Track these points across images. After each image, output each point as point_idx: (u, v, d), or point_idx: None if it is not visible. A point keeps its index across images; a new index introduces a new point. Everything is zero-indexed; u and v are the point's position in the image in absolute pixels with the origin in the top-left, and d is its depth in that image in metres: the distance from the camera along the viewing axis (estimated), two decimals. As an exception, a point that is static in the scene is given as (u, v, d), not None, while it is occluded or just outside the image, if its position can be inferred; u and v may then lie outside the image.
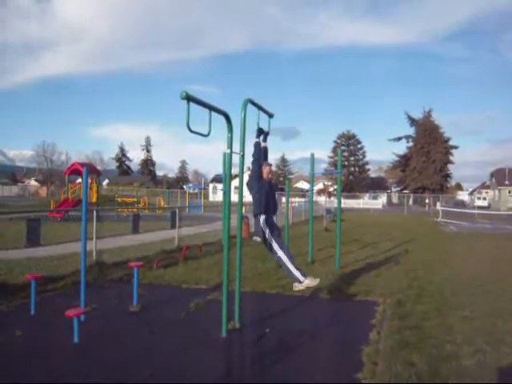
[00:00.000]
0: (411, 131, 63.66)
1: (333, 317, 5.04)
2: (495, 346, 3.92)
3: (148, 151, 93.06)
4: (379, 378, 3.27)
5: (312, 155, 9.31)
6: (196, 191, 50.33)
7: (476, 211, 31.14)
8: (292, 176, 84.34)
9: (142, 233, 14.02)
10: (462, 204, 51.78)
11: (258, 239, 12.41)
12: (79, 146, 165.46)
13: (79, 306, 4.61)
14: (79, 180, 25.78)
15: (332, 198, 44.30)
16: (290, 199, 12.95)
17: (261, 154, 5.09)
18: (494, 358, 3.68)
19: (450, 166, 60.64)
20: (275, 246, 4.94)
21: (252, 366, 3.62)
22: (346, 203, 44.72)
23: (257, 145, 5.10)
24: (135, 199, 33.15)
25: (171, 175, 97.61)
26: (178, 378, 3.37)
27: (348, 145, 66.07)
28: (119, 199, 31.29)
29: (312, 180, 9.81)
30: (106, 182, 72.56)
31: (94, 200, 20.78)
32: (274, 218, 5.20)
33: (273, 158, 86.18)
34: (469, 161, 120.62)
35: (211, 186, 65.69)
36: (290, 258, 4.98)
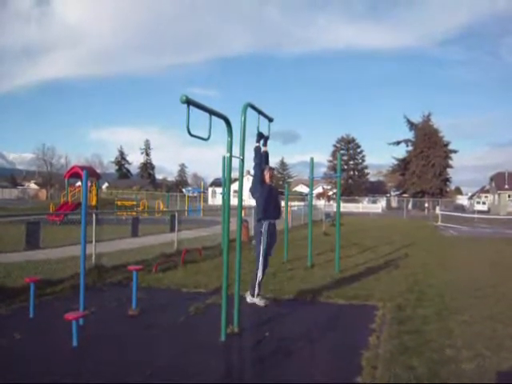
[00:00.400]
0: (410, 135, 63.90)
1: (332, 321, 5.03)
2: (495, 351, 3.91)
3: (147, 154, 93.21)
4: (379, 382, 3.26)
5: (311, 159, 9.33)
6: (195, 195, 50.28)
7: (476, 215, 31.16)
8: (291, 180, 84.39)
9: (141, 236, 14.00)
10: (461, 208, 51.79)
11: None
12: (79, 150, 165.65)
13: (78, 310, 4.61)
14: (79, 183, 25.79)
15: (331, 202, 44.33)
16: (289, 203, 12.95)
17: (262, 159, 5.09)
18: (493, 362, 3.67)
19: (449, 170, 60.80)
20: (260, 262, 5.06)
21: (251, 370, 3.61)
22: (346, 207, 44.72)
23: (257, 149, 5.11)
24: (134, 202, 33.13)
25: (170, 179, 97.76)
26: (177, 382, 3.36)
27: (347, 149, 66.18)
28: (119, 202, 31.28)
29: (311, 184, 9.82)
30: (105, 185, 72.57)
31: (94, 203, 20.78)
32: (277, 222, 5.22)
33: (272, 161, 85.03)
34: (468, 165, 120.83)
35: (210, 189, 65.70)
36: (262, 275, 5.18)
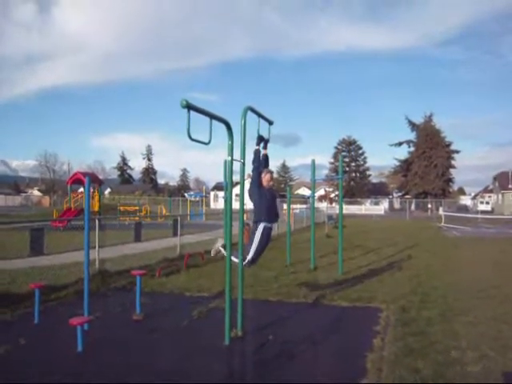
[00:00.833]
0: (412, 136, 63.71)
1: (336, 323, 5.02)
2: (500, 352, 3.90)
3: (149, 160, 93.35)
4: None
5: (313, 161, 9.33)
6: (197, 199, 50.36)
7: (479, 216, 31.03)
8: (293, 182, 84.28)
9: (144, 241, 14.03)
10: (464, 209, 51.64)
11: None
12: (81, 156, 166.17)
13: (83, 315, 4.62)
14: (81, 189, 25.88)
15: (333, 204, 44.27)
16: (291, 206, 12.95)
17: (260, 162, 5.10)
18: (499, 363, 3.66)
19: (452, 171, 60.55)
20: (249, 256, 4.90)
21: (255, 374, 3.61)
22: (348, 209, 44.62)
23: (256, 152, 5.12)
24: (137, 208, 33.19)
25: (172, 183, 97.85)
26: (181, 387, 3.37)
27: (349, 150, 66.09)
28: (121, 208, 31.35)
29: (313, 186, 9.83)
30: (107, 190, 72.69)
31: (97, 209, 20.82)
32: (275, 226, 5.21)
33: (274, 164, 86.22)
34: (471, 165, 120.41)
35: (212, 193, 65.75)
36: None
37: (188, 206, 37.28)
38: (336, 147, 66.41)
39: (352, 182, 64.90)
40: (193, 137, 3.78)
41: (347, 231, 17.17)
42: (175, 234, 11.78)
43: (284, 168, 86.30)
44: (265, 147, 5.27)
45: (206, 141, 4.01)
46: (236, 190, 5.40)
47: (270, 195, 5.03)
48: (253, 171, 4.98)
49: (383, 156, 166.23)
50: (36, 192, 74.72)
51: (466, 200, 69.94)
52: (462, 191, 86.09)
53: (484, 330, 4.60)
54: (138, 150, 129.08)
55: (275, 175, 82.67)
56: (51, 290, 6.26)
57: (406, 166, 63.30)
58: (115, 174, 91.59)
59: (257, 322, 4.95)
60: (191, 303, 5.85)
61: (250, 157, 4.93)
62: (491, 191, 63.61)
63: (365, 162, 66.88)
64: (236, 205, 4.97)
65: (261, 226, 4.94)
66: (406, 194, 62.53)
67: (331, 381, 3.43)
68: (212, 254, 5.45)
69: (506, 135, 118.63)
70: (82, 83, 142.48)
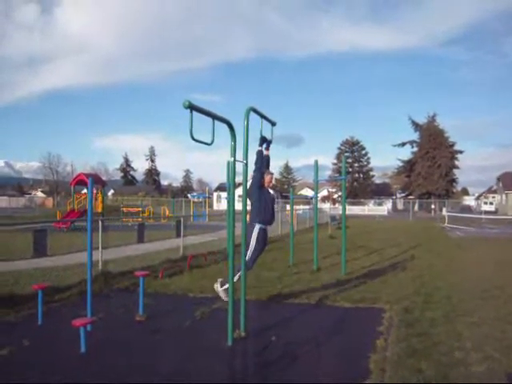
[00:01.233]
0: (415, 136, 63.49)
1: (339, 324, 5.00)
2: (505, 353, 3.87)
3: (152, 161, 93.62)
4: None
5: (316, 162, 9.33)
6: (200, 200, 50.37)
7: (483, 216, 30.89)
8: (296, 183, 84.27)
9: (147, 242, 14.04)
10: (468, 209, 51.41)
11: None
12: (84, 157, 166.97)
13: (86, 316, 4.63)
14: (85, 190, 25.92)
15: (337, 205, 44.20)
16: (294, 206, 12.94)
17: (263, 163, 5.10)
18: (503, 364, 3.64)
19: (455, 171, 60.28)
20: (247, 258, 4.94)
21: (258, 375, 3.60)
22: (351, 210, 44.57)
23: (259, 153, 5.12)
24: (140, 209, 33.25)
25: (176, 184, 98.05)
26: (184, 388, 3.37)
27: (352, 151, 65.99)
28: (124, 209, 31.41)
29: (316, 187, 9.81)
30: (111, 192, 72.96)
31: (100, 210, 20.89)
32: (278, 228, 5.21)
33: (277, 165, 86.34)
34: (475, 165, 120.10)
35: (215, 194, 65.77)
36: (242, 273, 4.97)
37: (191, 207, 37.28)
38: (339, 148, 66.38)
39: (355, 183, 64.79)
40: (195, 137, 3.79)
41: (350, 232, 17.14)
42: (178, 235, 11.80)
43: (287, 169, 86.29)
44: (267, 148, 5.28)
45: (209, 141, 4.02)
46: (239, 191, 5.41)
47: (269, 197, 5.03)
48: (255, 172, 4.98)
49: (386, 156, 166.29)
50: (40, 193, 75.01)
51: (469, 200, 69.63)
52: (465, 192, 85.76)
53: (488, 330, 4.58)
54: (141, 151, 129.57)
55: (278, 176, 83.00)
56: (54, 291, 6.27)
57: (409, 167, 63.11)
58: (118, 176, 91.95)
59: (260, 322, 4.95)
60: (194, 304, 5.85)
61: (252, 158, 4.94)
62: (495, 192, 63.33)
63: (368, 163, 66.78)
64: (239, 206, 4.97)
65: (256, 228, 4.95)
66: (410, 194, 62.33)
67: (334, 382, 3.42)
68: (215, 287, 5.37)
69: (510, 136, 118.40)
70: (85, 85, 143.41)
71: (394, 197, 68.45)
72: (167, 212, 32.36)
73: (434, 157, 58.41)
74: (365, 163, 66.68)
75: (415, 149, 62.95)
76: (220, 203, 60.79)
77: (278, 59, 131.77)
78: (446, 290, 6.63)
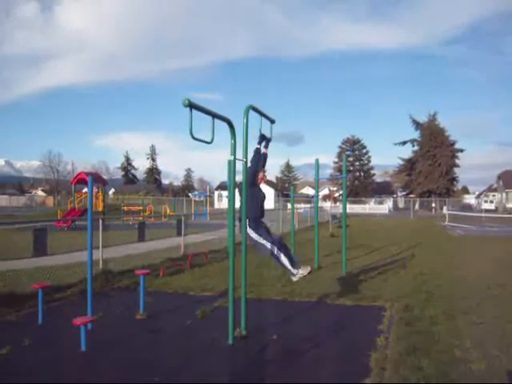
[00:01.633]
0: (416, 135, 63.43)
1: (340, 322, 5.00)
2: (505, 351, 3.87)
3: (153, 160, 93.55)
4: (388, 383, 3.25)
5: (317, 161, 9.32)
6: (201, 199, 50.38)
7: (483, 214, 30.86)
8: (297, 182, 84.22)
9: (148, 241, 14.05)
10: (468, 207, 51.32)
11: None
12: (85, 156, 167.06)
13: (86, 315, 4.64)
14: (85, 189, 25.96)
15: (337, 204, 44.18)
16: (295, 205, 12.94)
17: (259, 161, 5.09)
18: (503, 362, 3.64)
19: (456, 170, 60.23)
20: (268, 246, 4.84)
21: (259, 373, 3.61)
22: (352, 208, 44.56)
23: (257, 151, 5.11)
24: (141, 208, 33.27)
25: (177, 183, 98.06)
26: (184, 386, 3.37)
27: (353, 150, 65.89)
28: (125, 208, 31.44)
29: (317, 185, 9.81)
30: (112, 191, 72.94)
31: (101, 209, 20.90)
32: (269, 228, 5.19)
33: (277, 163, 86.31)
34: (475, 164, 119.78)
35: (216, 193, 65.77)
36: (284, 255, 4.86)
37: (192, 206, 37.33)
38: (340, 146, 66.26)
39: (356, 182, 64.71)
40: (196, 136, 3.78)
41: (351, 230, 17.13)
42: (179, 234, 11.80)
43: (288, 167, 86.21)
44: (266, 146, 5.26)
45: (209, 140, 4.01)
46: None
47: (260, 195, 5.03)
48: (250, 169, 4.95)
49: (387, 155, 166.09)
50: (40, 192, 75.11)
51: (470, 199, 69.46)
52: (466, 190, 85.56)
53: (488, 328, 4.58)
54: (142, 149, 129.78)
55: (279, 174, 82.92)
56: (55, 290, 6.28)
57: (410, 165, 63.07)
58: (119, 174, 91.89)
59: (261, 321, 4.95)
60: (195, 302, 5.86)
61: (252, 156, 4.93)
62: (495, 190, 63.25)
63: (369, 161, 66.68)
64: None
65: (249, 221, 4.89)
66: (411, 193, 62.29)
67: (335, 380, 3.43)
68: (295, 279, 5.03)
69: (510, 134, 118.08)
70: (86, 83, 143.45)
71: (395, 195, 68.35)
72: (168, 211, 32.39)
73: (434, 155, 58.36)
74: (366, 162, 66.60)
75: (416, 147, 62.92)
76: (221, 202, 60.77)
77: (279, 57, 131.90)
78: (447, 288, 6.63)
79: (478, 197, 70.81)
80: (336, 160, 64.88)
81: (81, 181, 22.15)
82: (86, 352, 3.99)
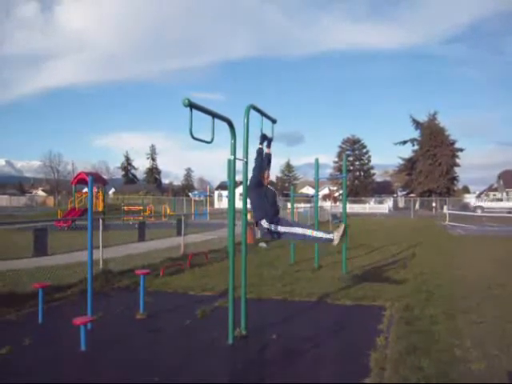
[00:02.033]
0: (416, 134, 63.31)
1: (339, 322, 5.00)
2: (505, 351, 3.87)
3: (153, 159, 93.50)
4: (387, 383, 3.25)
5: (316, 160, 9.31)
6: (201, 198, 50.37)
7: (484, 214, 30.82)
8: (297, 181, 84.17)
9: (148, 241, 14.05)
10: (467, 207, 51.24)
11: (264, 245, 12.42)
12: (85, 156, 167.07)
13: (86, 314, 4.64)
14: (86, 189, 25.96)
15: (338, 203, 44.17)
16: (295, 205, 12.94)
17: (263, 161, 5.08)
18: (503, 362, 3.63)
19: (456, 169, 60.16)
20: (285, 229, 4.82)
21: (259, 373, 3.61)
22: (352, 208, 44.50)
23: (260, 151, 5.09)
24: (141, 208, 33.27)
25: (177, 183, 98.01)
26: (184, 386, 3.37)
27: (353, 149, 65.84)
28: (125, 208, 31.43)
29: (317, 185, 9.81)
30: (112, 190, 72.90)
31: (101, 209, 20.90)
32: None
33: (277, 163, 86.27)
34: (476, 163, 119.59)
35: (216, 193, 65.77)
36: (305, 227, 4.87)
37: (192, 206, 37.33)
38: (340, 146, 66.19)
39: (356, 181, 64.67)
40: (196, 136, 3.78)
41: (351, 230, 17.11)
42: (179, 234, 11.80)
43: (288, 167, 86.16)
44: (268, 146, 5.24)
45: (209, 140, 4.01)
46: (240, 190, 5.39)
47: (269, 193, 5.02)
48: (254, 170, 4.94)
49: (387, 155, 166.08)
50: (40, 192, 75.12)
51: (470, 198, 69.39)
52: (466, 189, 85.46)
53: (488, 328, 4.58)
54: (142, 149, 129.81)
55: (279, 174, 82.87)
56: (55, 290, 6.29)
57: (410, 165, 63.01)
58: (119, 174, 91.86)
59: (261, 321, 4.95)
60: (195, 302, 5.86)
61: (253, 156, 4.92)
62: (496, 189, 63.22)
63: (369, 161, 66.62)
64: (240, 204, 4.96)
65: (264, 223, 4.91)
66: (411, 192, 62.23)
67: (335, 380, 3.43)
68: (336, 243, 4.79)
69: (511, 133, 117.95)
70: (86, 83, 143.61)
71: (395, 195, 68.30)
72: (168, 210, 32.39)
73: (434, 155, 58.31)
74: (366, 161, 66.53)
75: (416, 147, 62.83)
76: (221, 201, 60.78)
77: (279, 57, 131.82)
78: (447, 288, 6.63)
79: (478, 196, 70.74)
80: (336, 160, 64.81)
81: (81, 181, 22.15)
82: (85, 352, 3.99)
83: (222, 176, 71.54)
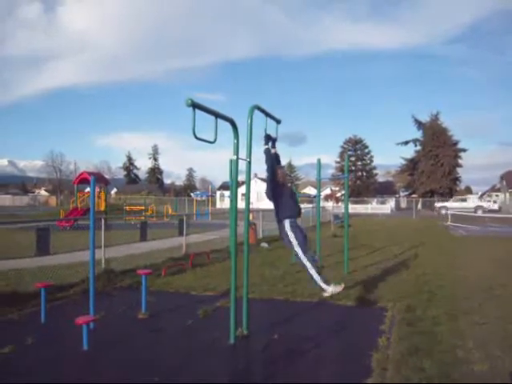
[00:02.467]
0: (419, 135, 63.19)
1: (341, 322, 5.00)
2: (507, 351, 3.86)
3: (155, 159, 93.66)
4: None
5: (318, 160, 9.29)
6: (203, 198, 50.41)
7: (486, 214, 30.74)
8: (299, 182, 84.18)
9: (149, 240, 14.07)
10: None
11: (266, 245, 12.41)
12: (87, 156, 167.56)
13: (88, 314, 4.64)
14: (88, 189, 25.99)
15: (340, 204, 44.11)
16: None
17: (273, 160, 5.07)
18: (506, 363, 3.62)
19: (458, 170, 60.03)
20: (303, 260, 4.94)
21: (260, 373, 3.61)
22: (354, 208, 44.44)
23: (267, 151, 5.07)
24: (143, 208, 33.31)
25: (179, 183, 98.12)
26: (186, 385, 3.37)
27: (355, 150, 65.77)
28: (127, 208, 31.48)
29: (319, 185, 9.79)
30: (114, 190, 73.02)
31: (103, 209, 20.93)
32: (299, 221, 5.18)
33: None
34: (478, 164, 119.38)
35: (218, 193, 65.79)
36: (315, 268, 4.94)
37: (194, 206, 37.35)
38: (342, 146, 66.12)
39: (358, 181, 64.58)
40: (198, 136, 3.78)
41: (353, 230, 17.11)
42: (181, 234, 11.80)
43: (290, 167, 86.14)
44: (273, 146, 5.24)
45: (212, 140, 4.01)
46: (242, 190, 5.38)
47: (288, 191, 5.00)
48: (268, 171, 4.92)
49: (390, 155, 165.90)
50: (43, 192, 75.33)
51: (473, 199, 69.18)
52: (468, 190, 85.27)
53: (491, 329, 4.57)
54: (144, 149, 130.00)
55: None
56: (57, 290, 6.30)
57: (412, 165, 62.89)
58: (121, 174, 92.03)
59: (262, 321, 4.95)
60: (197, 302, 5.86)
61: (256, 156, 4.90)
62: (498, 190, 63.01)
63: (371, 161, 66.51)
64: (242, 204, 4.96)
65: (287, 224, 4.91)
66: (413, 192, 62.12)
67: (336, 380, 3.42)
68: (326, 294, 5.08)
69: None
70: (88, 84, 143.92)
71: (398, 195, 68.15)
72: (170, 210, 32.42)
73: (437, 155, 58.17)
74: (368, 162, 66.43)
75: (418, 147, 62.71)
76: (223, 202, 60.79)
77: (280, 57, 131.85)
78: (449, 289, 6.61)
79: (480, 197, 70.52)
80: (338, 160, 64.76)
81: (83, 180, 22.19)
82: (87, 351, 4.00)
83: (224, 176, 71.52)
